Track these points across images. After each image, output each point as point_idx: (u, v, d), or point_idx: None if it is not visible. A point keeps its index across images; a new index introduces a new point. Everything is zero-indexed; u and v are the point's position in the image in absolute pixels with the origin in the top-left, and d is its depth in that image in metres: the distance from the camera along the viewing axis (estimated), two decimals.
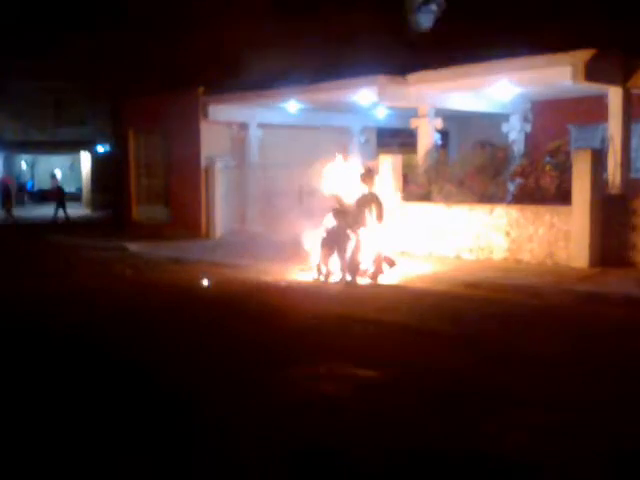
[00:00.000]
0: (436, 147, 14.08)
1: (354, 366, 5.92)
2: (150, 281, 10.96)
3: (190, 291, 9.96)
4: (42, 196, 34.57)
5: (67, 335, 7.25)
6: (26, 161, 40.37)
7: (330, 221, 10.69)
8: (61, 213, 24.06)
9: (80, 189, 37.13)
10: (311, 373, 5.75)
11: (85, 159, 35.54)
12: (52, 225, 22.85)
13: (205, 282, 10.56)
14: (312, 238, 10.84)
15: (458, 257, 12.18)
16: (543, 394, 5.21)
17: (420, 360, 6.17)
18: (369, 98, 14.04)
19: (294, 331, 7.36)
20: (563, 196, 11.15)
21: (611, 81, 11.60)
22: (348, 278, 10.33)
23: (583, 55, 10.80)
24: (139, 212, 19.16)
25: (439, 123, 14.08)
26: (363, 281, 10.32)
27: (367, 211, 10.51)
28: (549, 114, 15.28)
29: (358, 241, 10.43)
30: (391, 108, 16.20)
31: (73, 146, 33.81)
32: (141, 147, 19.05)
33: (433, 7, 15.83)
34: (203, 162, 16.88)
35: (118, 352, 6.57)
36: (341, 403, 5.05)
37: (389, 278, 10.34)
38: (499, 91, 13.34)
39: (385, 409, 4.92)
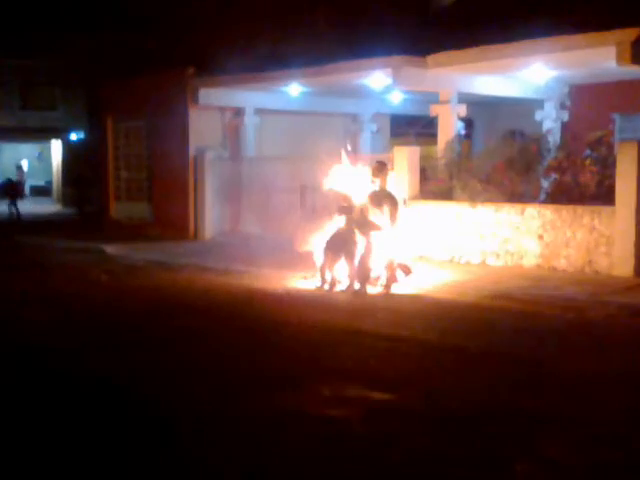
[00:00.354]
0: (459, 137, 14.08)
1: (364, 387, 5.94)
2: (131, 290, 10.99)
3: (177, 300, 9.98)
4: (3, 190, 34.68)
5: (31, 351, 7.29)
6: None
7: (336, 222, 10.71)
8: (13, 209, 24.26)
9: (50, 182, 37.22)
10: (314, 395, 5.76)
11: (56, 148, 35.64)
12: (10, 223, 22.91)
13: (194, 290, 10.56)
14: (316, 241, 10.85)
15: (484, 263, 12.19)
16: (581, 419, 5.21)
17: (440, 381, 6.18)
18: (382, 81, 14.05)
19: (295, 347, 7.37)
20: (605, 195, 11.13)
21: None
22: (357, 287, 10.34)
23: (630, 34, 10.79)
24: (118, 210, 19.20)
25: (463, 110, 14.10)
26: (374, 290, 10.33)
27: (379, 211, 10.52)
28: (590, 100, 15.28)
29: (369, 244, 10.44)
30: (408, 93, 16.21)
31: (42, 133, 33.91)
32: (121, 135, 19.08)
33: None
34: (192, 153, 16.91)
35: (96, 372, 6.59)
36: (348, 430, 5.06)
37: (404, 287, 10.35)
38: (533, 74, 13.35)
39: (397, 436, 4.93)
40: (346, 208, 10.68)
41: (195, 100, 16.66)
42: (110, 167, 19.28)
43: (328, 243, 10.66)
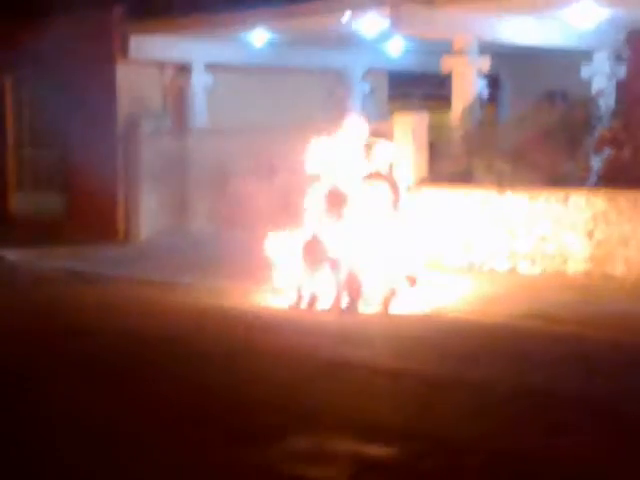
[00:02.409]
0: (481, 101, 14.16)
1: (355, 439, 5.94)
2: (37, 312, 10.90)
3: (102, 324, 9.91)
4: None
5: None
6: None
7: (318, 214, 10.72)
8: None
9: None
10: (289, 450, 5.77)
11: None
12: None
13: (125, 311, 10.55)
14: (289, 242, 10.87)
15: (513, 270, 12.25)
16: None
17: (456, 430, 6.18)
18: (377, 25, 14.10)
19: (265, 386, 7.36)
20: None
21: None
22: (345, 304, 10.37)
23: None
24: (20, 201, 19.10)
25: (485, 64, 14.18)
26: (368, 309, 10.35)
27: (375, 199, 10.53)
28: None
29: (361, 247, 10.47)
30: (411, 41, 16.26)
31: None
32: (24, 102, 19.01)
33: None
34: (121, 124, 16.86)
35: None
36: None
37: (409, 304, 10.38)
38: (578, 15, 13.40)
39: None
40: (334, 193, 10.69)
41: (125, 52, 16.61)
42: (10, 144, 19.18)
43: (306, 245, 10.68)
